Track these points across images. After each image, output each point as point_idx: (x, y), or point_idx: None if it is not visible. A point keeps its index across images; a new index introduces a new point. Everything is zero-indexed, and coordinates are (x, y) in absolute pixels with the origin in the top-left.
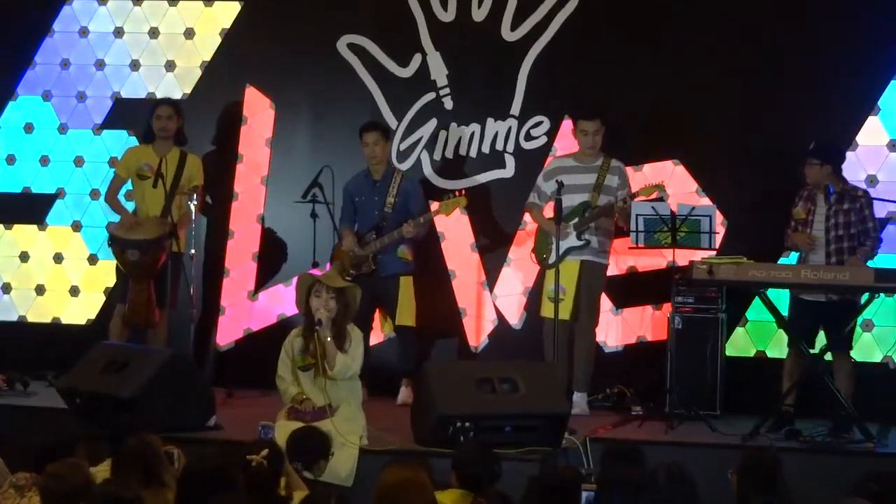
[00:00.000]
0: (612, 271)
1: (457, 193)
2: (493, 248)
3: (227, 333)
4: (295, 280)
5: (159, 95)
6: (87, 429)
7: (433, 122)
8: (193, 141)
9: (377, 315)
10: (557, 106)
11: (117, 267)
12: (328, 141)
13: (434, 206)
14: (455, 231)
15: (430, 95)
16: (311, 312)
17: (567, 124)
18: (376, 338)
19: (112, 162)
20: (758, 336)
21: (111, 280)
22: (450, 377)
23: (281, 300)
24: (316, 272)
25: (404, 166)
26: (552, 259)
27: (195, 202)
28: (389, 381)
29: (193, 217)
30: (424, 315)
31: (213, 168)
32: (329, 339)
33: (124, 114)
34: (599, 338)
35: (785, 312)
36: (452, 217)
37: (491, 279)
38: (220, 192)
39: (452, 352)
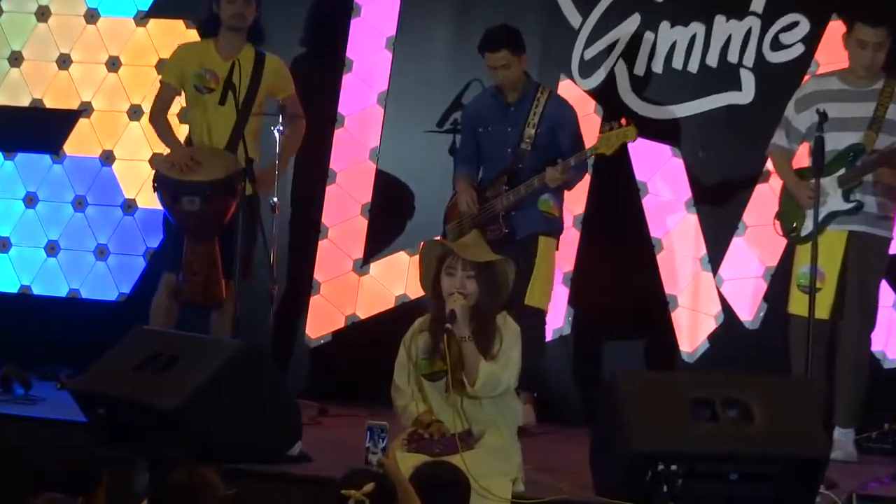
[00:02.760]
0: None
1: (623, 122)
2: (719, 209)
3: (323, 322)
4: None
5: None
6: (112, 452)
7: (635, 20)
8: (276, 40)
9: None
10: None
11: (165, 220)
12: (477, 44)
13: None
14: (663, 181)
15: None
16: (441, 297)
17: (835, 27)
18: None
19: (158, 66)
20: None
21: (151, 239)
22: (650, 396)
23: (401, 275)
24: None
25: (590, 83)
26: (806, 229)
27: (280, 127)
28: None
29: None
30: (611, 303)
31: (305, 80)
32: (468, 338)
33: None
34: (876, 346)
35: None
36: (662, 160)
37: (715, 255)
38: (316, 116)
39: (653, 358)
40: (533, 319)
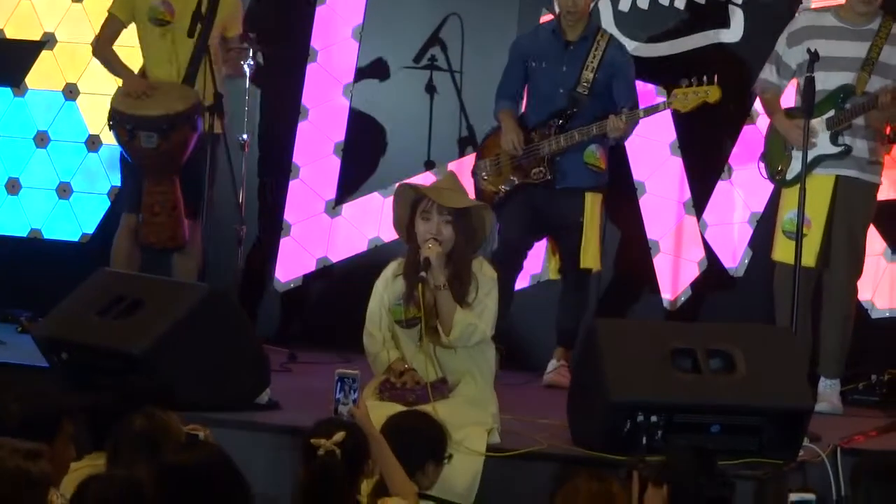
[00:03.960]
0: (885, 195)
1: (704, 79)
2: (705, 151)
3: (293, 265)
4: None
5: None
6: (75, 398)
7: None
8: None
9: (542, 247)
10: None
11: (122, 158)
12: None
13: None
14: (646, 121)
15: None
16: (416, 241)
17: None
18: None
19: None
20: None
21: (116, 176)
22: (630, 345)
23: (375, 217)
24: (429, 177)
25: None
26: (792, 172)
27: (251, 62)
28: (529, 348)
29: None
30: None
31: (276, 11)
32: (443, 286)
33: None
34: (863, 296)
35: None
36: (647, 101)
37: (700, 198)
38: (288, 50)
39: (633, 306)
40: (583, 284)
